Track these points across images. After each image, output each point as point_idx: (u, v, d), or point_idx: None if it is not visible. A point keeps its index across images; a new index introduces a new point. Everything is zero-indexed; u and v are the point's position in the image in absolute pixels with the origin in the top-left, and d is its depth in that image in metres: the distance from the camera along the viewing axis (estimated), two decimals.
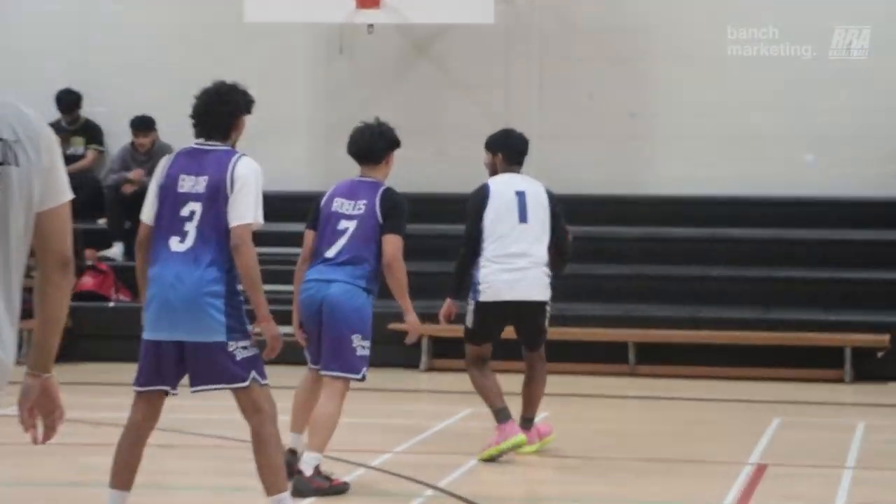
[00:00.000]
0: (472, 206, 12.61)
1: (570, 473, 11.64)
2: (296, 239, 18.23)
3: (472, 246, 12.33)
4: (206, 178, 8.25)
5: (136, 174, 16.79)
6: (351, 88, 19.22)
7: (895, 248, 17.67)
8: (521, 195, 12.35)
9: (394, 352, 16.37)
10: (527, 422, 12.29)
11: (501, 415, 11.95)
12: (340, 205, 10.92)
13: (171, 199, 8.28)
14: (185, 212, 8.26)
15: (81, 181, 18.30)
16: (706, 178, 17.81)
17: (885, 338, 16.08)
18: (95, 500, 9.35)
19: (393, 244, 10.84)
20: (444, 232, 17.93)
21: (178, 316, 8.19)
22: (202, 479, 11.07)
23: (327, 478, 10.89)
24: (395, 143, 11.40)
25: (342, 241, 10.82)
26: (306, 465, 10.72)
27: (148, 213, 8.38)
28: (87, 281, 17.57)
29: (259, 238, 18.94)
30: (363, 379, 10.95)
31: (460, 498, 10.41)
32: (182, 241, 8.21)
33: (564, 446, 12.19)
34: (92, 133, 18.89)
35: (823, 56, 18.25)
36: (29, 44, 19.35)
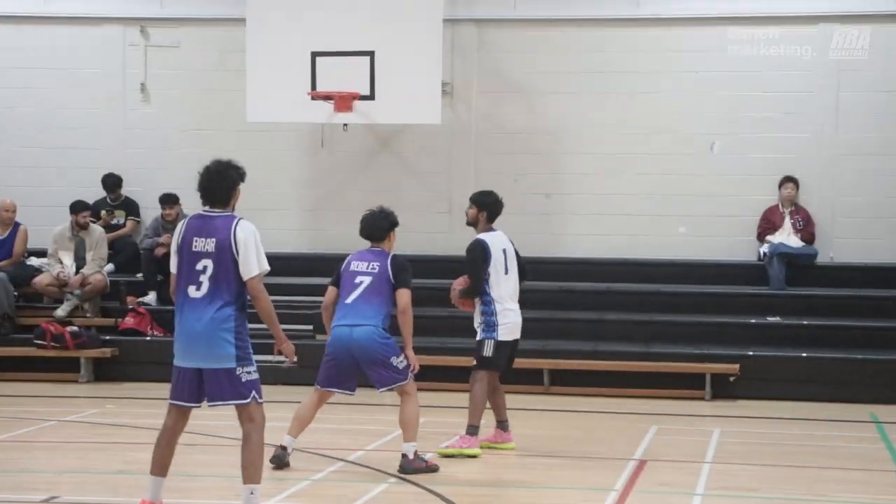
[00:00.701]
0: (477, 258, 12.49)
1: (500, 466, 11.81)
2: (290, 289, 18.53)
3: (477, 287, 12.36)
4: (214, 239, 8.32)
5: (165, 239, 16.55)
6: (330, 174, 19.28)
7: (745, 300, 17.84)
8: (504, 252, 12.55)
9: (364, 375, 16.80)
10: (502, 423, 12.68)
11: (474, 430, 12.20)
12: (357, 266, 11.51)
13: (187, 257, 8.38)
14: (199, 266, 8.33)
15: (123, 245, 18.72)
16: (605, 245, 17.90)
17: (736, 366, 16.28)
18: (137, 484, 9.61)
19: (405, 295, 11.37)
20: None
21: (197, 348, 8.36)
22: (223, 469, 11.02)
23: (424, 461, 11.43)
24: (394, 224, 11.87)
25: (358, 291, 11.42)
26: (408, 451, 11.29)
27: (173, 266, 8.53)
28: (129, 321, 17.50)
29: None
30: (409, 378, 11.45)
31: (416, 484, 10.72)
32: (198, 289, 8.32)
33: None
34: (130, 207, 18.97)
35: (702, 156, 18.46)
36: (78, 139, 19.40)
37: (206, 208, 8.54)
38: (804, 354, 16.90)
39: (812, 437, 14.14)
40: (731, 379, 16.48)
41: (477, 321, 12.67)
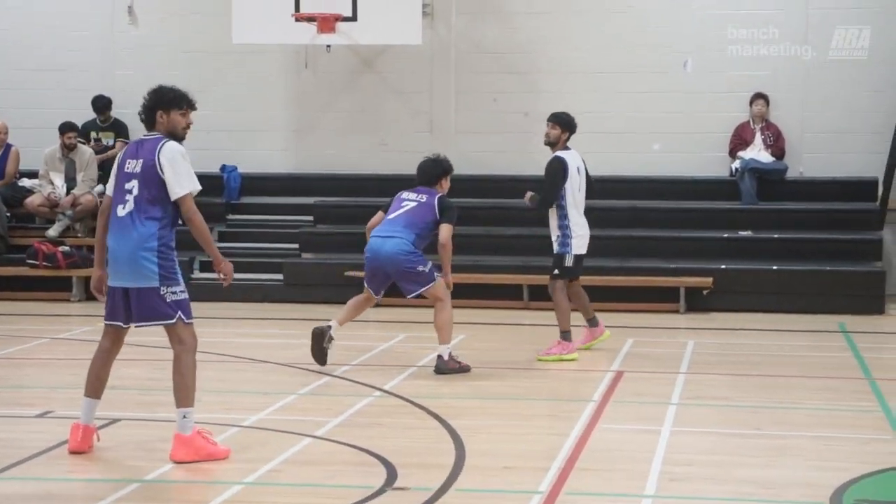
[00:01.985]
0: (557, 175, 12.79)
1: (482, 378, 11.79)
2: (276, 208, 18.89)
3: (550, 202, 12.77)
4: (141, 160, 8.17)
5: None
6: (314, 95, 19.23)
7: (717, 214, 17.94)
8: (578, 170, 12.85)
9: (349, 292, 16.61)
10: (591, 321, 13.31)
11: (567, 335, 12.80)
12: (408, 195, 12.09)
13: (120, 178, 8.28)
14: (128, 186, 8.21)
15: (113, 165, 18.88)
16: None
17: (710, 280, 16.43)
18: (130, 399, 10.03)
19: (447, 230, 11.88)
20: (384, 203, 18.25)
21: (122, 267, 8.20)
22: (210, 384, 10.78)
23: (457, 361, 11.98)
24: (447, 171, 12.29)
25: (400, 211, 12.01)
26: (443, 352, 11.90)
27: (110, 187, 8.43)
28: None
29: (247, 208, 19.12)
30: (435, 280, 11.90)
31: (399, 396, 10.81)
32: (124, 208, 8.19)
33: (480, 357, 12.46)
34: (120, 129, 18.82)
35: (675, 73, 18.46)
36: (70, 60, 19.29)
37: (145, 133, 8.44)
38: (775, 267, 17.08)
39: (783, 347, 14.18)
40: (705, 292, 16.64)
41: (554, 234, 13.00)
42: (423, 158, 12.51)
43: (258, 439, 9.20)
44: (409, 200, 12.11)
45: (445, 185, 12.36)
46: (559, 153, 12.88)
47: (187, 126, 8.65)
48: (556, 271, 12.94)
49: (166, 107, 8.37)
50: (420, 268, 11.91)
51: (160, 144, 8.24)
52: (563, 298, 12.88)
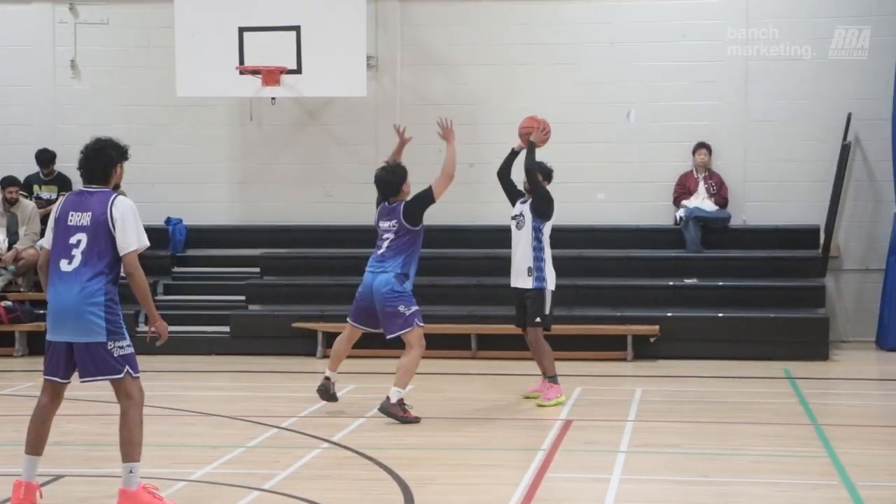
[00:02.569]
0: (551, 203, 13.18)
1: (430, 428, 11.72)
2: (221, 261, 18.80)
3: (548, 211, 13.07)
4: (90, 213, 8.07)
5: None
6: (259, 147, 19.19)
7: (663, 263, 18.00)
8: None
9: (297, 344, 16.83)
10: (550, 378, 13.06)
11: (555, 378, 12.94)
12: (383, 225, 12.34)
13: (62, 231, 8.15)
14: (73, 240, 8.09)
15: None
16: None
17: (656, 328, 16.44)
18: (74, 455, 9.93)
19: (437, 184, 12.31)
20: (331, 254, 18.34)
21: (67, 322, 8.05)
22: (157, 438, 10.83)
23: (405, 410, 11.86)
24: (405, 176, 12.41)
25: (384, 248, 12.21)
26: (392, 394, 11.81)
27: (47, 241, 8.31)
28: None
29: (193, 261, 19.00)
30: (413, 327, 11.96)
31: (348, 448, 10.70)
32: (70, 262, 8.05)
33: (427, 409, 12.31)
34: (63, 183, 18.57)
35: (619, 124, 18.55)
36: (11, 115, 19.22)
37: (85, 185, 8.26)
38: (721, 314, 17.12)
39: (729, 393, 14.20)
40: (652, 340, 16.64)
41: (525, 265, 13.05)
42: (376, 171, 12.65)
43: (206, 494, 9.10)
44: (386, 233, 12.26)
45: (407, 188, 12.38)
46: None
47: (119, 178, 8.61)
48: (538, 319, 12.97)
49: (122, 161, 8.33)
50: (402, 308, 11.93)
51: (112, 198, 8.14)
52: (544, 342, 13.00)
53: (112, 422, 8.64)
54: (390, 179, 12.25)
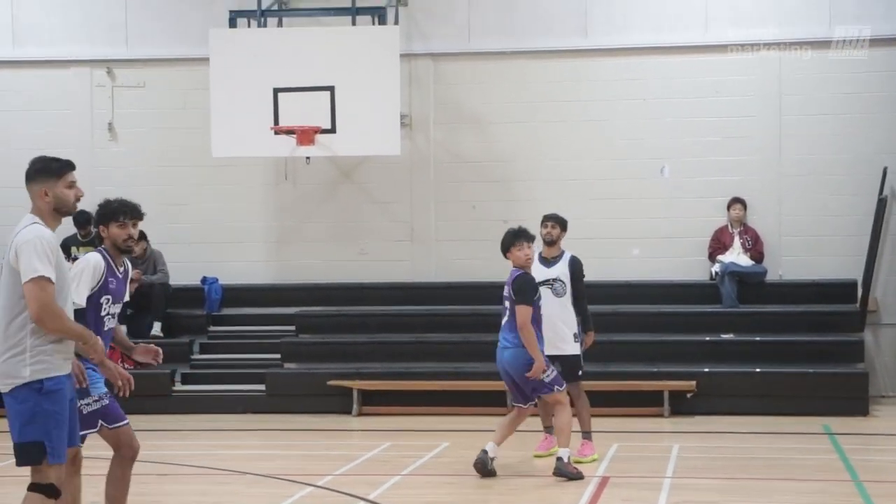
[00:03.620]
0: (582, 271, 13.10)
1: (463, 486, 11.63)
2: (257, 319, 18.72)
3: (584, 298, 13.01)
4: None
5: (135, 274, 16.27)
6: (294, 206, 19.21)
7: (699, 318, 17.91)
8: None
9: (332, 402, 16.73)
10: (550, 429, 12.98)
11: (590, 435, 13.02)
12: (506, 292, 12.05)
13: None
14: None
15: None
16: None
17: (693, 383, 16.36)
18: None
19: (522, 312, 11.72)
20: (366, 312, 18.35)
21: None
22: (193, 497, 10.99)
23: (575, 466, 11.90)
24: (512, 238, 11.98)
25: (506, 317, 12.04)
26: (563, 455, 11.80)
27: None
28: None
29: (229, 320, 18.96)
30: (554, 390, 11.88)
31: None
32: None
33: (465, 465, 12.15)
34: (100, 243, 18.51)
35: (653, 179, 18.41)
36: None
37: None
38: (758, 370, 17.05)
39: (768, 449, 14.06)
40: (689, 395, 16.60)
41: (570, 332, 12.94)
42: None
43: None
44: (507, 299, 12.20)
45: (517, 252, 12.06)
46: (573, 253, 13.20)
47: (128, 238, 8.35)
48: (580, 373, 12.99)
49: (104, 221, 8.24)
50: (542, 375, 11.95)
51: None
52: (586, 398, 13.14)
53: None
54: (504, 239, 12.20)
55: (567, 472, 11.76)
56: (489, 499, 11.41)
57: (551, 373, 11.93)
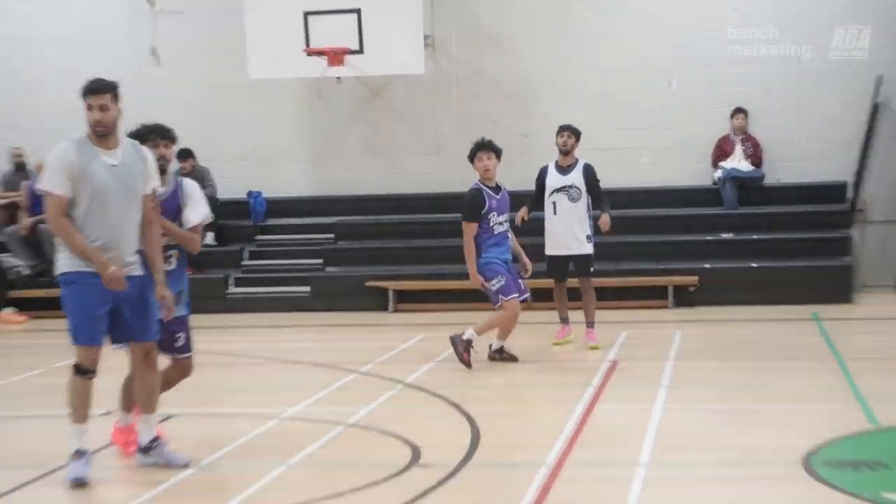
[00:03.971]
0: (596, 176, 13.46)
1: (489, 370, 12.13)
2: (299, 228, 19.24)
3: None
4: None
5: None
6: (329, 123, 19.70)
7: (702, 219, 18.27)
8: None
9: (370, 301, 17.47)
10: (565, 320, 13.56)
11: (593, 325, 13.40)
12: None
13: None
14: None
15: None
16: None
17: (695, 278, 17.04)
18: None
19: (464, 231, 12.23)
20: (398, 220, 18.97)
21: None
22: (260, 382, 11.79)
23: (467, 351, 12.10)
24: (474, 151, 12.34)
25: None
26: (466, 332, 12.16)
27: None
28: None
29: (274, 230, 19.49)
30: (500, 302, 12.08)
31: (421, 388, 11.30)
32: None
33: (482, 355, 12.44)
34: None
35: (662, 92, 18.79)
36: None
37: None
38: (754, 265, 17.53)
39: (762, 334, 14.60)
40: (691, 289, 17.14)
41: (583, 233, 13.36)
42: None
43: (298, 429, 9.80)
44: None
45: (477, 162, 12.33)
46: (587, 161, 13.50)
47: (161, 157, 8.46)
48: (591, 270, 13.47)
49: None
50: (488, 285, 12.23)
51: None
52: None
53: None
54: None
55: (453, 344, 12.15)
56: (512, 379, 11.94)
57: (496, 284, 12.11)
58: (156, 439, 8.44)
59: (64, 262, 7.90)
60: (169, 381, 8.89)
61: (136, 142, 8.21)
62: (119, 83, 7.98)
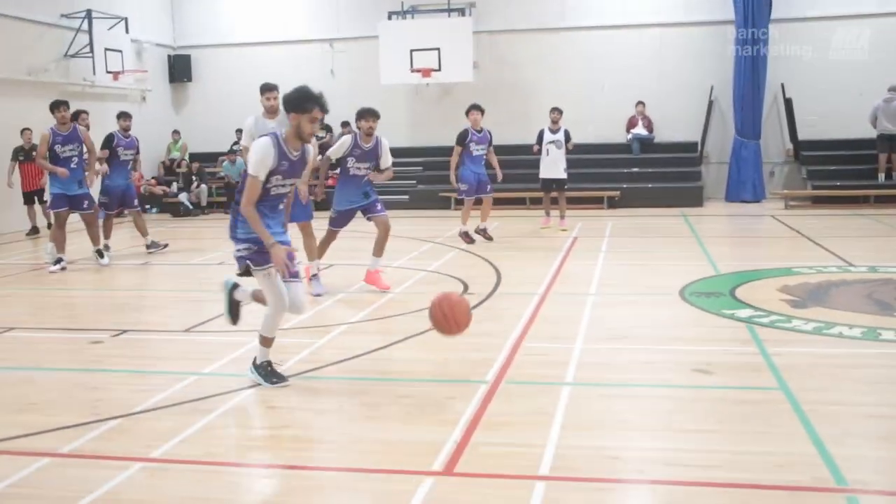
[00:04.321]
0: (570, 137, 12.55)
1: (502, 243, 11.51)
2: (399, 164, 16.28)
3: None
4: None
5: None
6: (422, 109, 18.78)
7: (622, 161, 17.35)
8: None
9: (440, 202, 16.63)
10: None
11: (565, 219, 12.29)
12: None
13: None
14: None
15: None
16: None
17: (618, 192, 16.41)
18: None
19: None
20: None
21: None
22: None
23: (464, 235, 11.03)
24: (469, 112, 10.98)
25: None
26: (466, 228, 11.12)
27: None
28: None
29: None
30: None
31: (458, 248, 10.60)
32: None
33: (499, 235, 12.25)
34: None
35: (601, 91, 18.10)
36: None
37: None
38: (649, 185, 16.79)
39: (654, 224, 13.74)
40: (616, 198, 16.65)
41: (563, 165, 12.55)
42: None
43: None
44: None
45: (472, 117, 11.20)
46: (566, 127, 12.65)
47: (366, 131, 7.37)
48: (566, 187, 12.83)
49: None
50: (458, 186, 11.18)
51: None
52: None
53: None
54: None
55: (463, 237, 11.02)
56: (519, 244, 11.33)
57: (462, 187, 10.96)
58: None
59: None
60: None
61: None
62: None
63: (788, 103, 16.95)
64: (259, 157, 4.91)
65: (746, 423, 4.46)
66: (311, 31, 19.08)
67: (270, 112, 7.58)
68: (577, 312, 7.20)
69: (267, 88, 7.61)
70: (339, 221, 8.13)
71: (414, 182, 18.02)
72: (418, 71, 17.35)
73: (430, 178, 17.90)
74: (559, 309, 7.41)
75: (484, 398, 4.91)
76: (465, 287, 8.27)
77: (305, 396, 5.12)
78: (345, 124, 17.46)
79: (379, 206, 8.03)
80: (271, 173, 4.94)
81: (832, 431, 4.28)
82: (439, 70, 17.36)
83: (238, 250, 5.05)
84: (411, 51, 17.35)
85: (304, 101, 4.97)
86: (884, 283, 8.05)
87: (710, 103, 17.68)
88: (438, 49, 17.29)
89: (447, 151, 18.37)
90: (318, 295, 7.85)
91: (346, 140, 7.76)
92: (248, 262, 5.02)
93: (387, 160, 7.99)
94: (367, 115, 7.67)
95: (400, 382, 5.33)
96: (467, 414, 4.67)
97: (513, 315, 7.09)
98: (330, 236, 8.23)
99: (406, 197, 17.70)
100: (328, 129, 17.61)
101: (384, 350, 6.10)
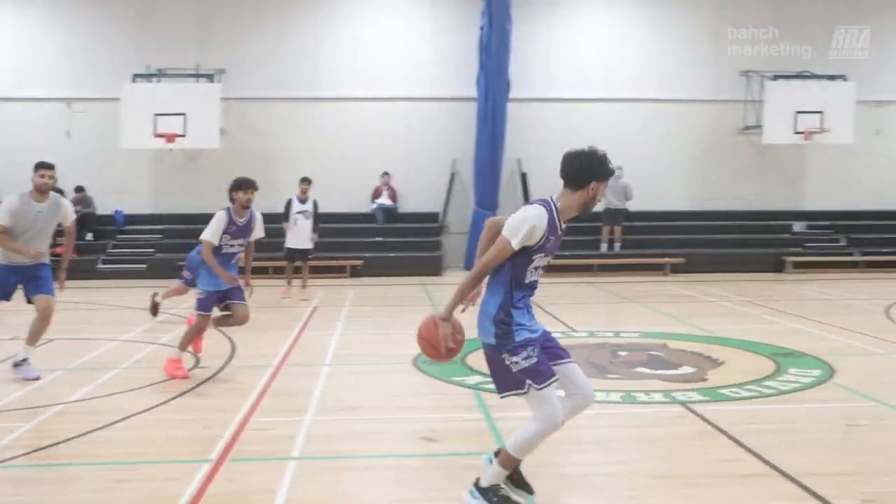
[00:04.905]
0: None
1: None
2: (139, 231, 17.19)
3: None
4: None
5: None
6: (168, 172, 18.00)
7: (365, 231, 17.38)
8: None
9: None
10: None
11: None
12: None
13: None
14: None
15: None
16: None
17: (361, 261, 16.32)
18: None
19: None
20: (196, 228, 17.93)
21: None
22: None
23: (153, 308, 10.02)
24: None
25: None
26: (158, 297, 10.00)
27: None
28: None
29: (126, 231, 17.39)
30: None
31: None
32: None
33: None
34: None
35: (351, 168, 17.64)
36: None
37: None
38: (391, 254, 16.83)
39: (392, 289, 13.81)
40: (359, 266, 16.29)
41: (312, 237, 12.40)
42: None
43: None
44: None
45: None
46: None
47: (243, 204, 6.91)
48: (309, 257, 12.48)
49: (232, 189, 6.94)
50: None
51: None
52: None
53: None
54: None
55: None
56: (246, 325, 10.74)
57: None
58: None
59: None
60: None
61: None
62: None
63: (524, 177, 17.67)
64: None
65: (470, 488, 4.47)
66: (48, 89, 18.21)
67: (40, 191, 6.90)
68: (310, 384, 7.08)
69: (44, 166, 6.90)
70: (206, 304, 7.19)
71: (152, 250, 17.30)
72: (162, 135, 16.69)
73: (170, 247, 17.09)
74: (292, 381, 7.26)
75: (205, 478, 4.76)
76: (197, 361, 7.87)
77: (3, 489, 4.76)
78: (78, 189, 17.07)
79: (243, 294, 7.20)
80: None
81: (551, 492, 4.45)
82: (184, 136, 16.72)
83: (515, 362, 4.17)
84: (156, 115, 16.68)
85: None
86: (600, 347, 8.35)
87: (453, 175, 17.98)
88: (185, 114, 16.71)
89: (189, 219, 17.67)
90: (36, 379, 7.27)
91: (222, 217, 6.95)
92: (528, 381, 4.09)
93: (259, 233, 7.25)
94: (245, 186, 6.88)
95: (117, 467, 5.09)
96: (185, 497, 4.47)
97: (245, 388, 6.93)
98: (201, 324, 7.19)
99: (143, 266, 16.91)
100: (60, 192, 16.62)
101: (101, 431, 5.80)
